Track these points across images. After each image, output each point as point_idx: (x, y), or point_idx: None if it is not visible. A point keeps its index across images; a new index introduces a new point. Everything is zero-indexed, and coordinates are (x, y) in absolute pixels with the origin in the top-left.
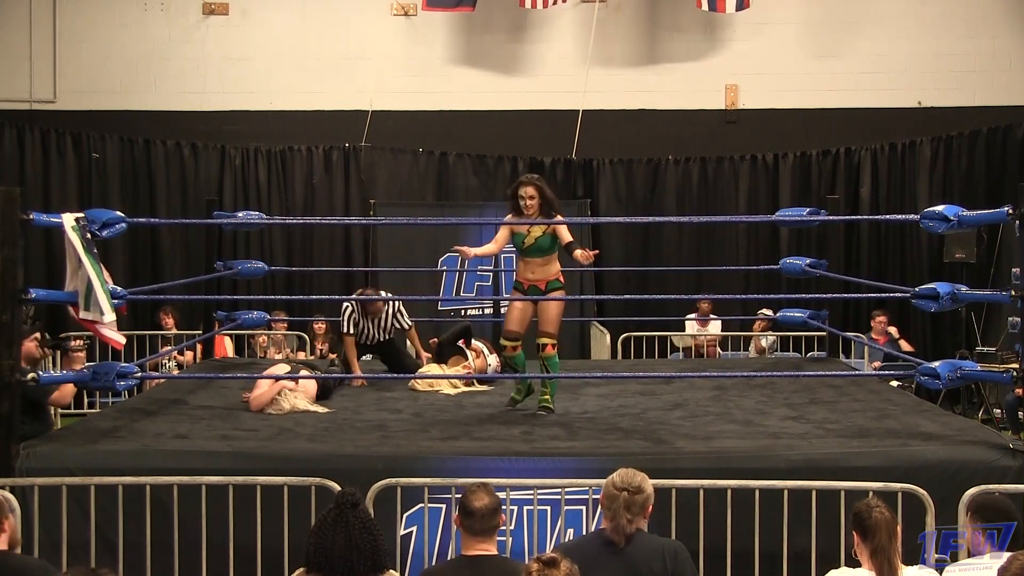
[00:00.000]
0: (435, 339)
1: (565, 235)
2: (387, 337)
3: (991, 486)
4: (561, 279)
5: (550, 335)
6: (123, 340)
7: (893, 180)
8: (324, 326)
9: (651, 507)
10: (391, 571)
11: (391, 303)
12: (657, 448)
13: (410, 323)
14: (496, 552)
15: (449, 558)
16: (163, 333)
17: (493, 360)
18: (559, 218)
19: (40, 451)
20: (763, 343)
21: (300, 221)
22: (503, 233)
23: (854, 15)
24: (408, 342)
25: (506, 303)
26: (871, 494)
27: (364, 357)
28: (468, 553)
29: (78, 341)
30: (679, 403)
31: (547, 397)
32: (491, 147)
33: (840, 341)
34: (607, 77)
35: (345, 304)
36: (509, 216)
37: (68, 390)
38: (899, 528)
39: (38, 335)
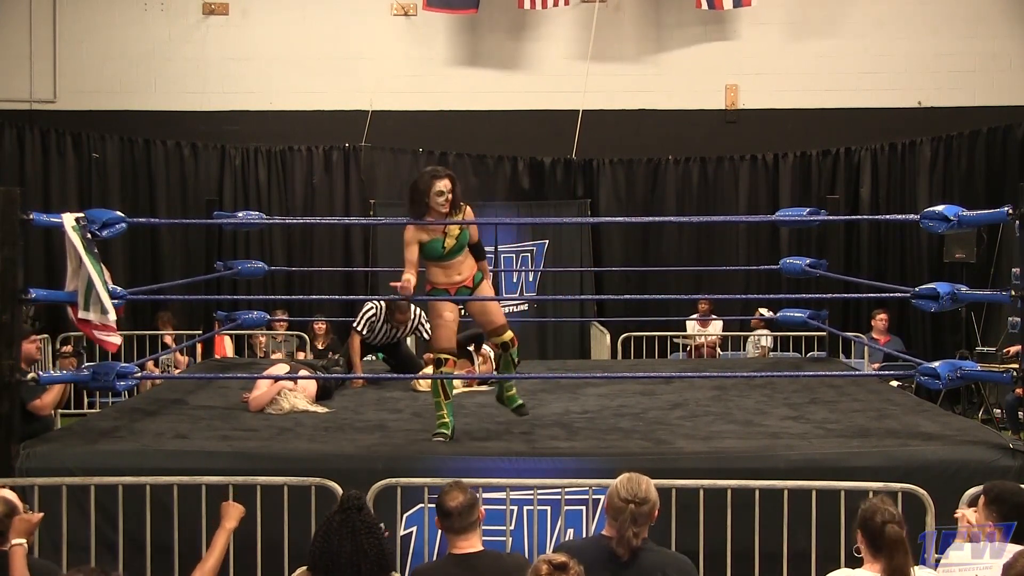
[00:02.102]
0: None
1: (475, 230)
2: (398, 340)
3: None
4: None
5: (504, 325)
6: (118, 342)
7: (893, 180)
8: (324, 326)
9: (656, 514)
10: (394, 573)
11: (416, 315)
12: (657, 448)
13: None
14: (483, 548)
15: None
16: (163, 333)
17: None
18: (469, 211)
19: (40, 451)
20: (763, 342)
21: (300, 221)
22: (413, 252)
23: (854, 15)
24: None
25: (506, 304)
26: (870, 494)
27: (367, 357)
28: (456, 552)
29: (67, 347)
30: (679, 403)
31: (514, 393)
32: (491, 147)
33: (840, 341)
34: (607, 77)
35: (370, 305)
36: (412, 227)
37: (48, 400)
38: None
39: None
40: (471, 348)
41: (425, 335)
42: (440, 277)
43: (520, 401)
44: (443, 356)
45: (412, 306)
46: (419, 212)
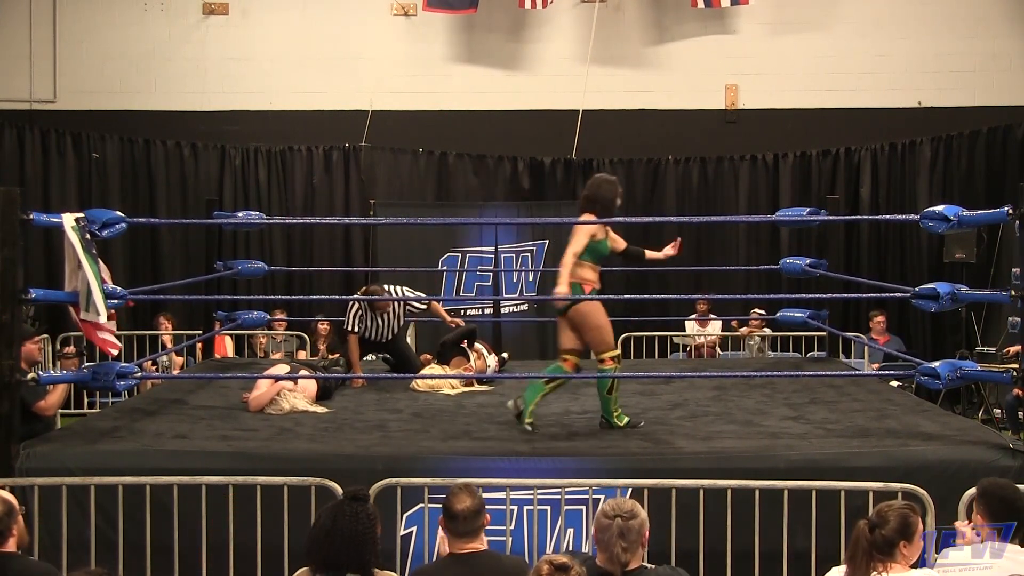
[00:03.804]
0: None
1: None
2: (395, 333)
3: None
4: None
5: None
6: (116, 351)
7: (893, 180)
8: (328, 326)
9: (648, 534)
10: (387, 572)
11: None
12: (657, 448)
13: (425, 302)
14: (486, 548)
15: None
16: (162, 334)
17: (492, 361)
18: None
19: (40, 451)
20: (754, 343)
21: (300, 221)
22: (582, 245)
23: (854, 15)
24: (415, 332)
25: (507, 304)
26: (870, 494)
27: (367, 357)
28: (457, 552)
29: (69, 348)
30: (679, 403)
31: (620, 412)
32: (491, 147)
33: (840, 341)
34: (607, 77)
35: (352, 303)
36: (593, 222)
37: (53, 401)
38: (881, 534)
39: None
40: (464, 344)
41: (415, 310)
42: (591, 275)
43: (628, 418)
44: (616, 353)
45: (389, 291)
46: (604, 212)
